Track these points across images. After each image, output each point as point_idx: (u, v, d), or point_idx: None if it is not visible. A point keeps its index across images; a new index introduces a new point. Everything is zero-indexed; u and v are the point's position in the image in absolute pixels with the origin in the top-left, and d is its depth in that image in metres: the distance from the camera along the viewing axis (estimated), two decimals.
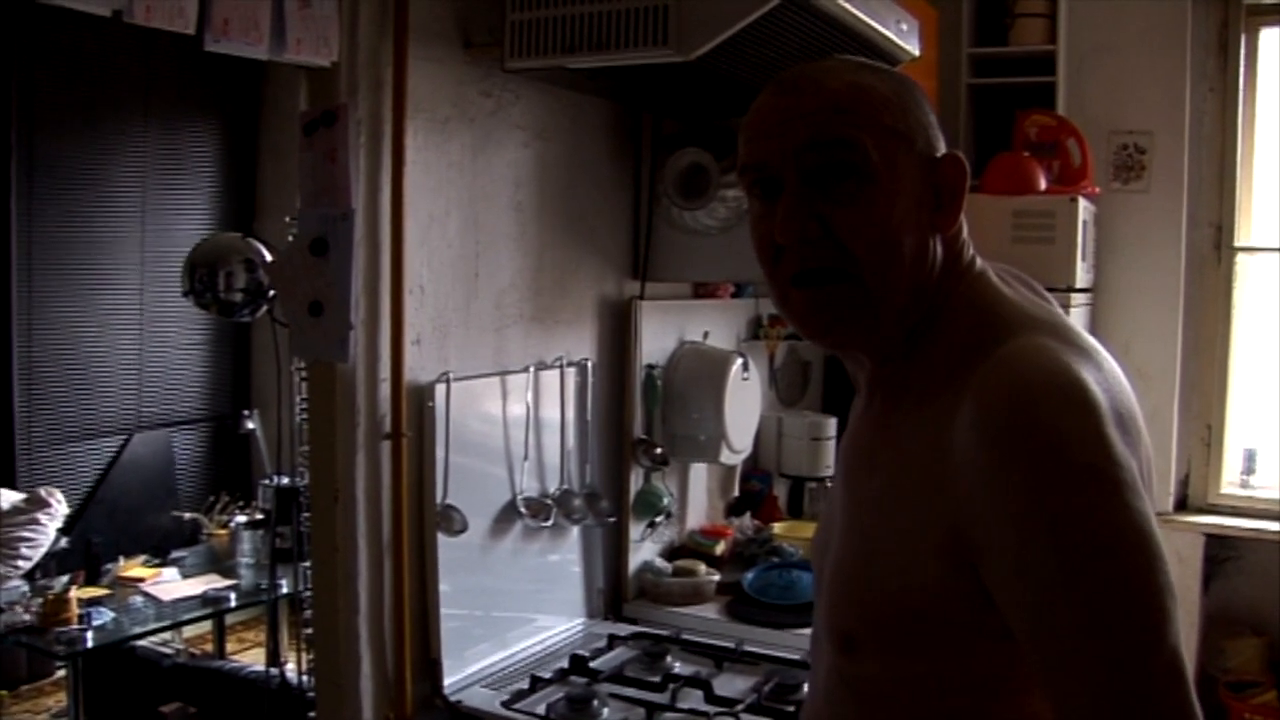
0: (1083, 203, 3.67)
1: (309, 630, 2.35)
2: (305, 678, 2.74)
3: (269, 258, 3.16)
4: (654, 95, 2.65)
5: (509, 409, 2.47)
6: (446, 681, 2.30)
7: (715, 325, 3.17)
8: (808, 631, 2.49)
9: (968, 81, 4.04)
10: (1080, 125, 3.83)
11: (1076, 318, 3.65)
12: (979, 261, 1.23)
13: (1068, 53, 3.91)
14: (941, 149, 1.19)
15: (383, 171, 2.14)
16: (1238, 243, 4.14)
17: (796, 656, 2.45)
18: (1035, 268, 3.48)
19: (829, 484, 3.29)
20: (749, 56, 2.18)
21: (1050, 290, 3.48)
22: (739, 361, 3.01)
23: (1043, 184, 3.70)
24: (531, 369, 2.51)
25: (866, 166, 1.13)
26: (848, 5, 2.20)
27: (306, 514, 2.30)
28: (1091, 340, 1.15)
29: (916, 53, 2.57)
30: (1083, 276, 3.74)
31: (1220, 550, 4.08)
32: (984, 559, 1.03)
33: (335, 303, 2.06)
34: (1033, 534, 0.99)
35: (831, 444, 3.38)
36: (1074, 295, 3.62)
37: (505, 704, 2.25)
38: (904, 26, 2.50)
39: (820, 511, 1.36)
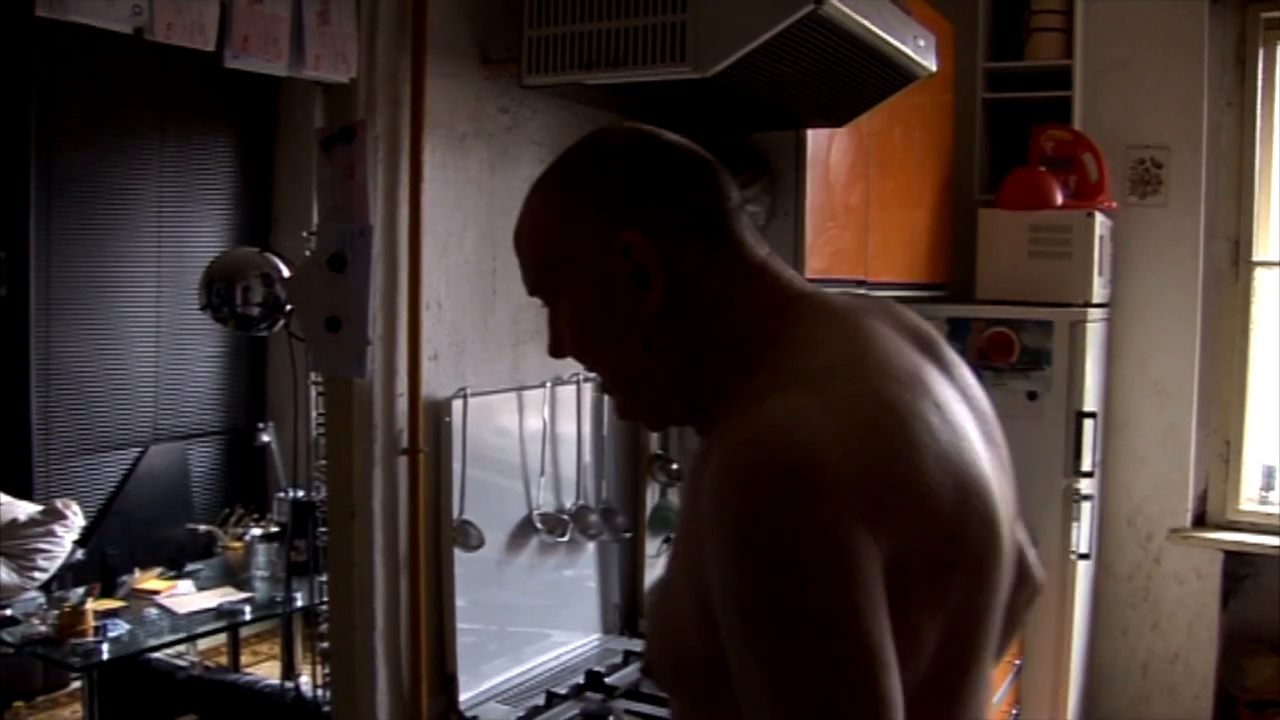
0: (1099, 217, 3.66)
1: (324, 644, 2.36)
2: (320, 691, 2.74)
3: (286, 272, 3.18)
4: (670, 111, 2.64)
5: (525, 424, 2.47)
6: (462, 697, 2.30)
7: None
8: None
9: (983, 96, 4.04)
10: (1097, 140, 3.82)
11: (1093, 334, 3.64)
12: (806, 296, 1.18)
13: (1084, 67, 3.91)
14: (631, 227, 1.14)
15: (400, 187, 2.15)
16: (1256, 257, 4.13)
17: None
18: (1052, 283, 3.56)
19: None
20: (766, 73, 2.18)
21: (1067, 306, 3.51)
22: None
23: (1059, 199, 3.70)
24: (548, 385, 2.51)
25: (547, 293, 1.21)
26: (865, 21, 2.19)
27: (322, 528, 2.30)
28: (900, 367, 1.09)
29: (933, 68, 2.57)
30: (1100, 291, 3.74)
31: (1239, 567, 4.05)
32: (717, 622, 1.00)
33: (353, 318, 2.07)
34: (731, 610, 0.96)
35: None
36: (1091, 310, 3.61)
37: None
38: (921, 42, 2.50)
39: None
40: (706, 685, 1.05)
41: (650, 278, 1.13)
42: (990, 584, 1.08)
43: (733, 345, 1.13)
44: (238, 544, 4.82)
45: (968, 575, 1.05)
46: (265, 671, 5.02)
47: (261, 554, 4.45)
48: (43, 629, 3.90)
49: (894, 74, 2.50)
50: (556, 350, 1.23)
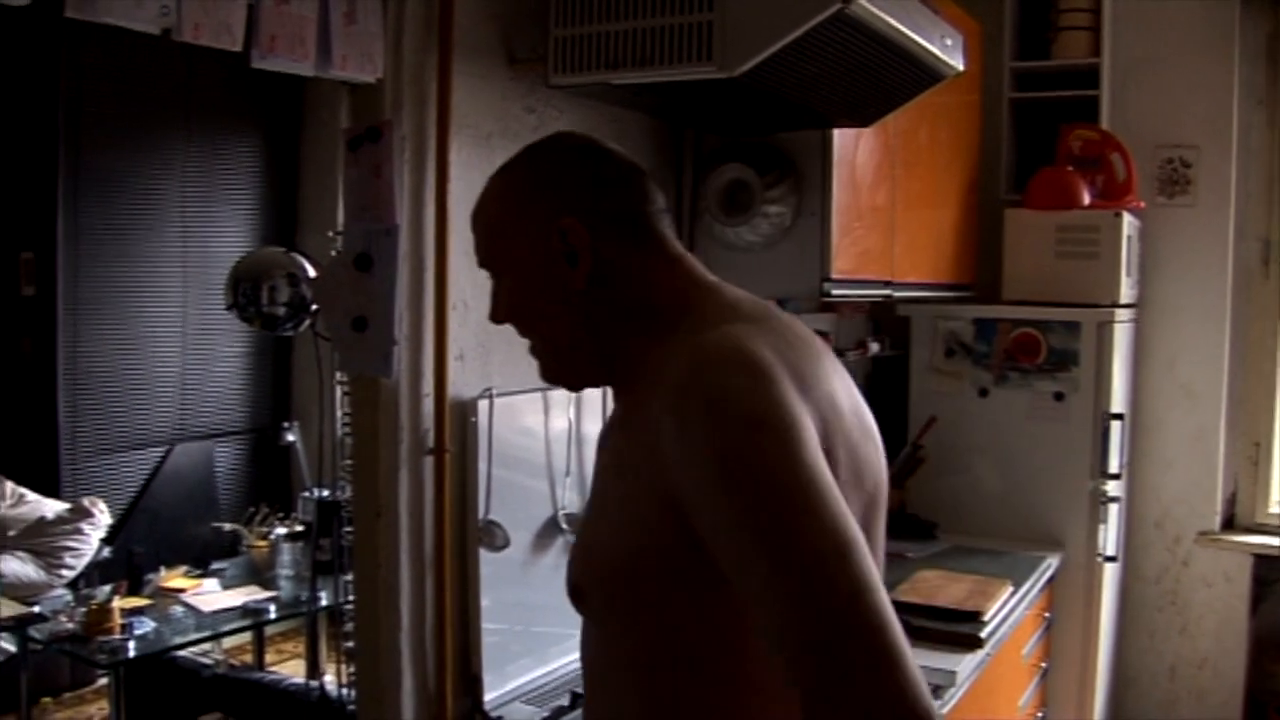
0: (1127, 217, 3.64)
1: (349, 643, 2.36)
2: (345, 690, 2.74)
3: (312, 272, 3.19)
4: (696, 111, 2.64)
5: (551, 424, 2.47)
6: (487, 697, 2.29)
7: None
8: None
9: (1010, 96, 4.01)
10: (1125, 139, 3.79)
11: (1121, 334, 3.62)
12: (717, 285, 1.37)
13: (1112, 66, 3.88)
14: (568, 214, 1.32)
15: (427, 187, 2.15)
16: None
17: None
18: (1079, 283, 3.54)
19: None
20: (793, 73, 2.17)
21: (1094, 306, 3.48)
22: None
23: (1086, 199, 3.67)
24: None
25: (495, 265, 1.39)
26: (892, 21, 2.18)
27: (348, 528, 2.30)
28: (790, 325, 1.31)
29: (961, 67, 2.56)
30: (1127, 292, 3.71)
31: (1269, 571, 4.01)
32: (687, 510, 1.15)
33: (379, 318, 2.07)
34: (709, 477, 1.12)
35: None
36: (1118, 311, 3.59)
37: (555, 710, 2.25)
38: (949, 41, 2.49)
39: None
40: (647, 586, 1.23)
41: (580, 258, 1.31)
42: (879, 523, 1.34)
43: (651, 315, 1.32)
44: (262, 543, 4.84)
45: (867, 497, 1.28)
46: (290, 670, 5.04)
47: (286, 553, 4.47)
48: (70, 626, 3.93)
49: (921, 73, 2.49)
50: (496, 316, 1.41)
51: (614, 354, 1.35)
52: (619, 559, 1.25)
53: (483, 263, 1.40)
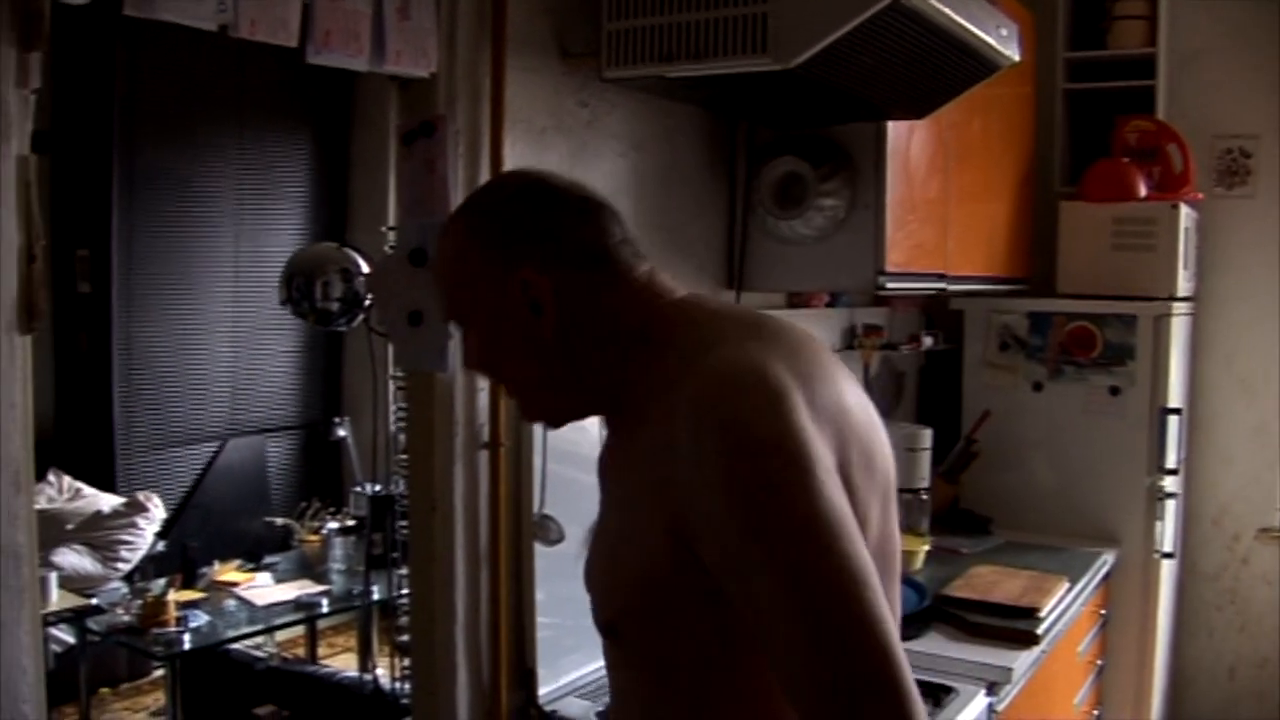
0: (1185, 209, 3.59)
1: (402, 637, 2.37)
2: (398, 684, 2.76)
3: (365, 268, 3.20)
4: (749, 103, 2.63)
5: None
6: (541, 691, 2.30)
7: None
8: (910, 646, 2.47)
9: (1064, 87, 3.96)
10: (1182, 130, 3.74)
11: (1177, 328, 3.57)
12: (684, 297, 1.35)
13: (1168, 55, 3.82)
14: (527, 263, 1.29)
15: (481, 181, 2.15)
16: None
17: None
18: (1135, 276, 3.50)
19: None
20: (848, 64, 2.16)
21: (1151, 300, 3.44)
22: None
23: (1143, 191, 3.63)
24: None
25: (459, 318, 1.37)
26: (948, 11, 2.16)
27: (401, 522, 2.31)
28: (801, 338, 1.28)
29: (1016, 58, 2.53)
30: (1184, 285, 3.66)
31: None
32: (698, 537, 1.14)
33: (435, 312, 2.07)
34: (722, 505, 1.10)
35: (927, 455, 3.33)
36: (1175, 304, 3.54)
37: (600, 714, 2.24)
38: (1004, 32, 2.46)
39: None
40: (671, 614, 1.22)
41: (543, 307, 1.29)
42: (891, 512, 1.29)
43: (632, 339, 1.30)
44: (314, 537, 4.88)
45: (879, 489, 1.25)
46: (341, 663, 5.08)
47: (338, 547, 4.50)
48: (126, 618, 3.99)
49: (976, 64, 2.46)
50: (468, 364, 1.40)
51: (599, 385, 1.33)
52: (645, 588, 1.23)
53: (449, 315, 1.40)
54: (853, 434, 1.21)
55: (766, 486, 1.09)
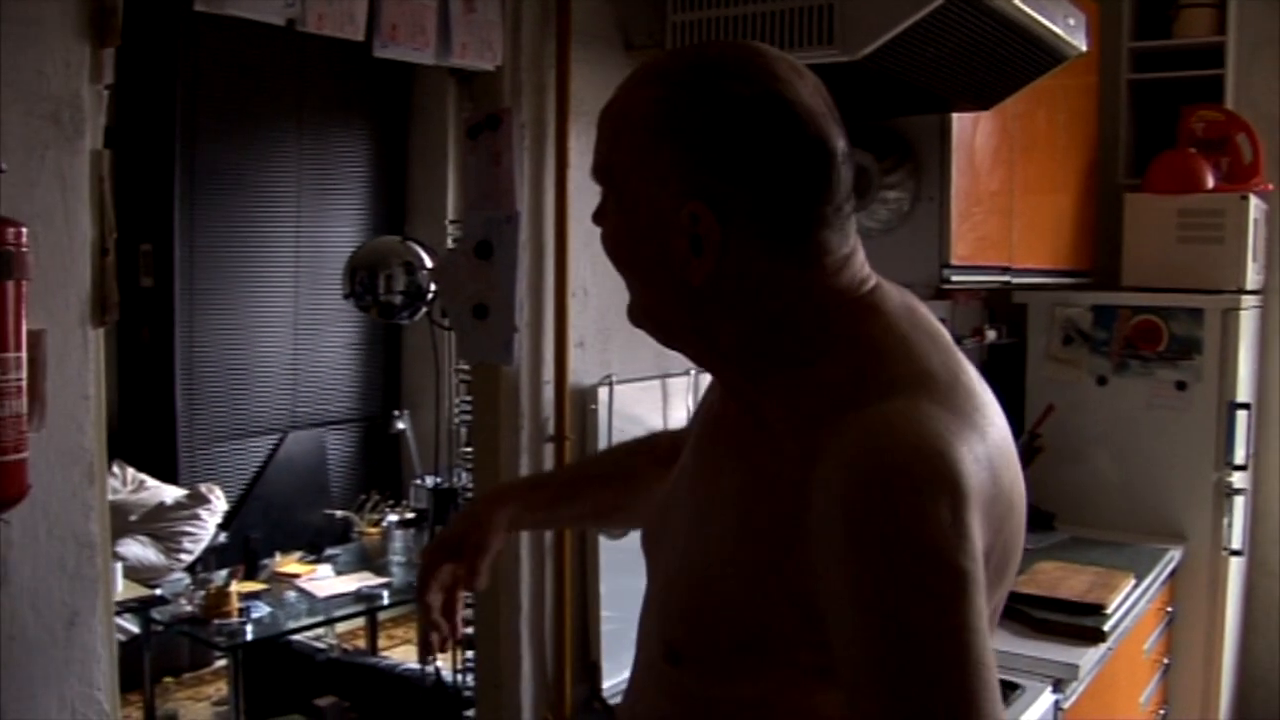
0: (1254, 201, 3.53)
1: (467, 629, 2.37)
2: (459, 676, 2.77)
3: (428, 261, 3.22)
4: None
5: (670, 412, 2.46)
6: (605, 684, 2.30)
7: None
8: None
9: (1128, 77, 3.90)
10: (1251, 120, 3.67)
11: (1246, 321, 3.51)
12: (876, 293, 1.13)
13: (1237, 43, 3.75)
14: (709, 194, 1.07)
15: (547, 174, 2.15)
16: None
17: None
18: (1202, 269, 3.45)
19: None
20: (915, 55, 2.13)
21: (1218, 293, 3.37)
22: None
23: (1210, 182, 3.57)
24: (692, 373, 2.49)
25: (607, 186, 1.14)
26: (1017, 1, 2.14)
27: None
28: (983, 396, 1.08)
29: (1084, 48, 2.50)
30: (1253, 278, 3.60)
31: None
32: (830, 622, 0.98)
33: (500, 306, 2.08)
34: (869, 618, 0.94)
35: None
36: (1244, 298, 3.48)
37: None
38: (1071, 21, 2.43)
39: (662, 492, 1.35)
40: (758, 666, 1.08)
41: (704, 252, 1.07)
42: (1002, 604, 1.14)
43: (797, 333, 1.09)
44: (373, 529, 4.92)
45: (1002, 593, 1.11)
46: (400, 655, 5.11)
47: (398, 540, 4.53)
48: (190, 609, 4.04)
49: (1043, 55, 2.44)
50: (597, 220, 1.18)
51: (725, 352, 1.13)
52: (743, 631, 1.08)
53: (596, 169, 1.16)
54: (1008, 532, 1.05)
55: (913, 604, 0.93)
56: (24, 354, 1.39)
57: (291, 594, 4.27)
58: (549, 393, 2.18)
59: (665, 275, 1.10)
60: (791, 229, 1.08)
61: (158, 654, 4.42)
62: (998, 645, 2.54)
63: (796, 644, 1.04)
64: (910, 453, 0.96)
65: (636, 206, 1.10)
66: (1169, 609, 3.42)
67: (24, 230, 1.37)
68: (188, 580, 4.57)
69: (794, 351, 1.09)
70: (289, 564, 4.53)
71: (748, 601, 1.07)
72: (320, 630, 4.60)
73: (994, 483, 1.00)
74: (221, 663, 4.87)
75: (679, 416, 2.48)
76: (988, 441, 1.02)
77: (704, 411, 1.29)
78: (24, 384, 1.39)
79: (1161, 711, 3.43)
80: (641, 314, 1.18)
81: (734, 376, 1.15)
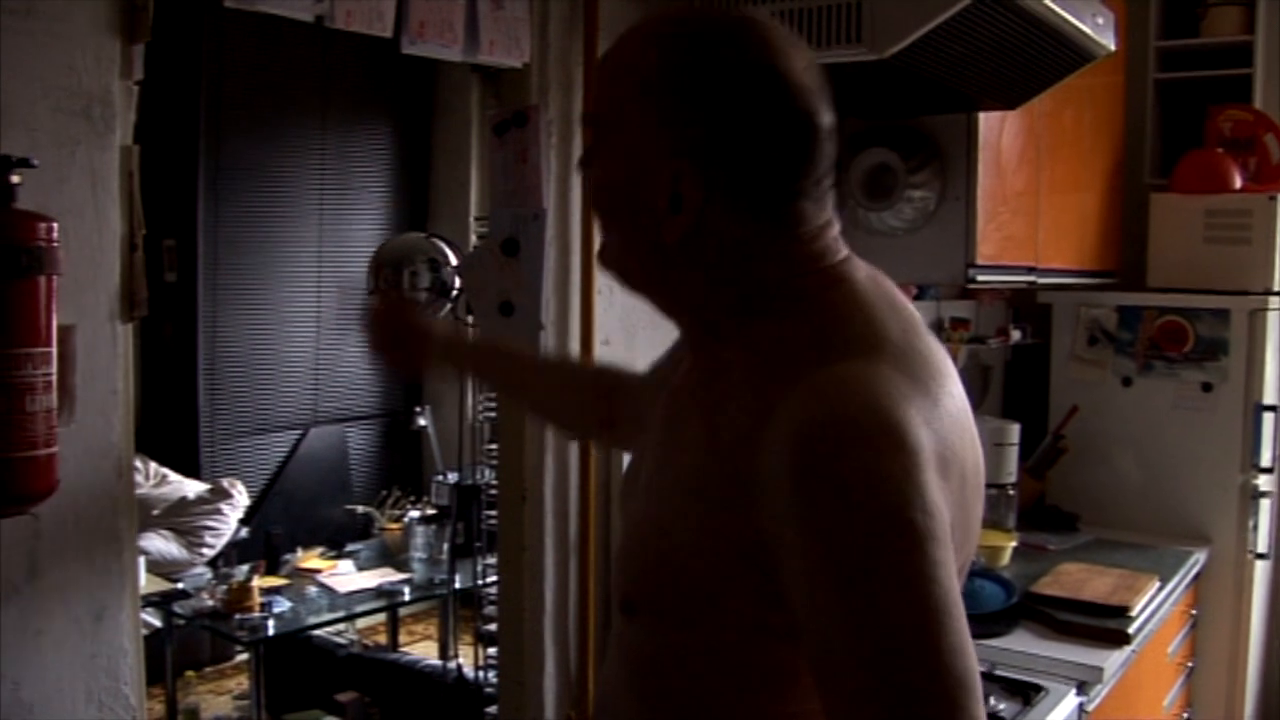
0: None
1: (487, 626, 2.38)
2: (480, 673, 2.78)
3: (453, 258, 3.22)
4: (840, 93, 2.59)
5: None
6: None
7: None
8: (989, 643, 2.44)
9: (1155, 76, 3.88)
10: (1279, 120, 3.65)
11: (1273, 322, 3.48)
12: (846, 264, 1.14)
13: (1266, 42, 3.72)
14: (710, 168, 1.08)
15: (572, 171, 2.15)
16: None
17: (982, 669, 2.38)
18: (1230, 270, 3.42)
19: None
20: (942, 53, 2.13)
21: (1245, 294, 3.35)
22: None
23: (1238, 182, 3.54)
24: None
25: (598, 128, 1.15)
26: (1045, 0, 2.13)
27: (489, 511, 2.33)
28: (940, 365, 1.09)
29: (1112, 47, 2.48)
30: None
31: None
32: (786, 580, 0.99)
33: (526, 302, 2.08)
34: (825, 575, 0.95)
35: (1015, 450, 3.28)
36: (1271, 299, 3.45)
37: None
38: (1100, 20, 2.41)
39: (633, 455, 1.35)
40: (706, 613, 1.09)
41: (683, 210, 1.08)
42: (962, 579, 1.12)
43: (765, 293, 1.11)
44: (395, 525, 4.93)
45: (963, 559, 1.10)
46: (420, 651, 5.12)
47: (420, 536, 4.53)
48: (211, 603, 4.05)
49: (1072, 54, 2.42)
50: (585, 165, 1.21)
51: (690, 307, 1.16)
52: (692, 580, 1.09)
53: (587, 115, 1.22)
54: (964, 496, 1.06)
55: (878, 562, 0.93)
56: (54, 349, 1.40)
57: (313, 589, 4.28)
58: None
59: (641, 227, 1.11)
60: (770, 196, 1.10)
61: (179, 648, 4.44)
62: (1021, 647, 2.53)
63: (736, 594, 1.05)
64: (860, 409, 0.97)
65: (622, 157, 1.12)
66: (1193, 612, 3.40)
67: (55, 225, 1.38)
68: (209, 575, 4.58)
69: (759, 309, 1.11)
70: (310, 559, 4.54)
71: (697, 554, 1.08)
72: (341, 626, 4.61)
73: (946, 446, 1.01)
74: (243, 657, 4.89)
75: None
76: (940, 407, 1.03)
77: (670, 364, 1.31)
78: (54, 379, 1.40)
79: (1185, 715, 3.41)
80: (610, 259, 1.19)
81: (697, 329, 1.17)
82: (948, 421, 1.03)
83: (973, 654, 0.95)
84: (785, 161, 1.09)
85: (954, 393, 1.08)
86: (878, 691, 0.92)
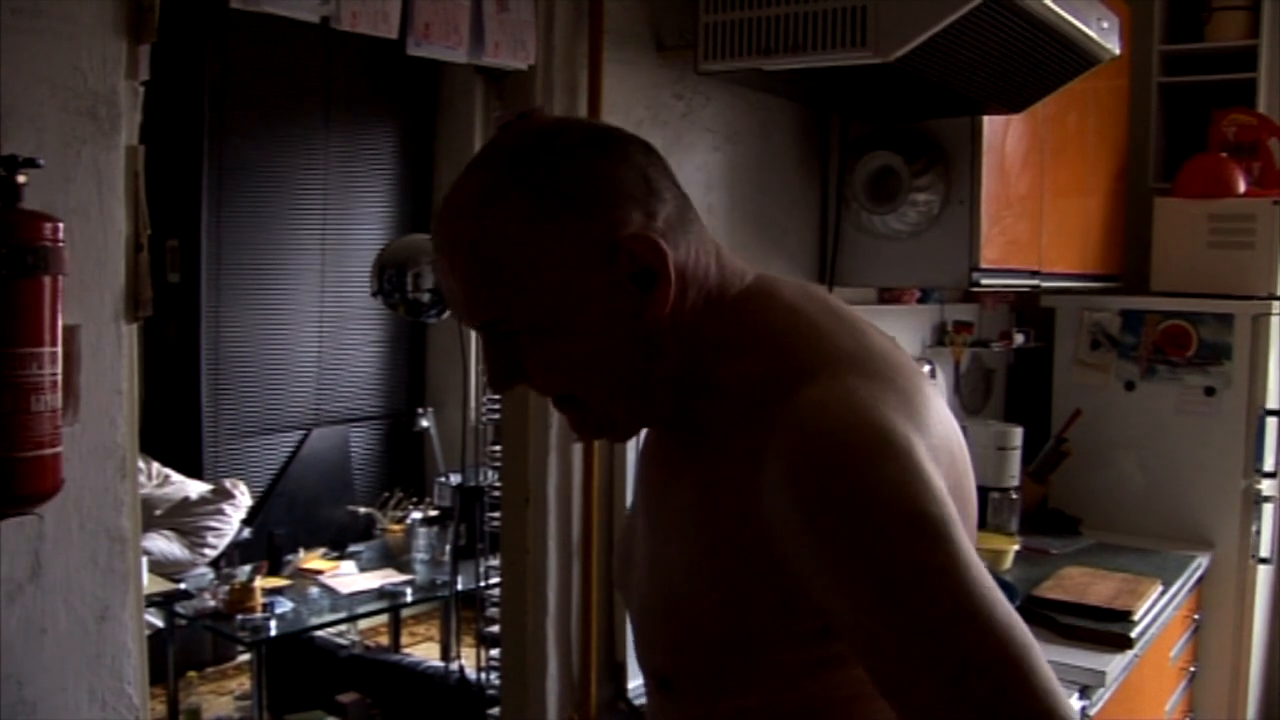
0: None
1: (490, 628, 2.38)
2: (483, 674, 2.78)
3: None
4: (845, 97, 2.60)
5: None
6: (630, 685, 2.29)
7: (900, 330, 3.10)
8: None
9: (1159, 80, 3.88)
10: None
11: (1276, 327, 3.48)
12: (764, 280, 1.12)
13: (1270, 46, 3.72)
14: (629, 223, 1.02)
15: None
16: None
17: None
18: (1233, 274, 3.43)
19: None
20: (947, 57, 2.13)
21: (1249, 299, 3.35)
22: (925, 368, 2.94)
23: (1242, 186, 3.54)
24: None
25: (510, 322, 1.04)
26: (1049, 3, 2.13)
27: (491, 513, 2.32)
28: (895, 358, 1.08)
29: (1117, 51, 2.49)
30: None
31: None
32: (825, 614, 0.99)
33: None
34: (866, 598, 0.94)
35: (1017, 454, 3.28)
36: (1274, 304, 3.45)
37: None
38: (1105, 24, 2.42)
39: (623, 527, 1.33)
40: (751, 672, 1.06)
41: (658, 276, 1.02)
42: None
43: (744, 319, 1.08)
44: (397, 527, 4.93)
45: (968, 526, 1.08)
46: (423, 653, 5.12)
47: (422, 537, 4.54)
48: (213, 604, 4.05)
49: (1076, 58, 2.43)
50: (508, 383, 1.08)
51: (664, 383, 1.08)
52: (725, 644, 1.07)
53: (487, 319, 1.05)
54: (955, 479, 1.05)
55: (913, 568, 0.93)
56: (59, 349, 1.39)
57: (315, 590, 4.29)
58: None
59: (625, 339, 1.05)
60: (681, 210, 1.06)
61: (181, 648, 4.44)
62: None
63: (775, 644, 1.04)
64: (841, 427, 0.96)
65: (557, 303, 1.02)
66: (1196, 616, 3.40)
67: (60, 225, 1.38)
68: (212, 575, 4.59)
69: (713, 347, 1.06)
70: (312, 560, 4.54)
71: (717, 615, 1.06)
72: (343, 627, 4.61)
73: (930, 434, 1.01)
74: (244, 658, 4.88)
75: None
76: (913, 402, 1.03)
77: (641, 459, 1.26)
78: (59, 379, 1.40)
79: (1188, 718, 3.41)
80: (602, 425, 1.11)
81: (666, 397, 1.09)
82: (924, 411, 1.03)
83: (1014, 611, 0.94)
84: (664, 172, 1.07)
85: (916, 382, 1.07)
86: (952, 693, 0.92)
